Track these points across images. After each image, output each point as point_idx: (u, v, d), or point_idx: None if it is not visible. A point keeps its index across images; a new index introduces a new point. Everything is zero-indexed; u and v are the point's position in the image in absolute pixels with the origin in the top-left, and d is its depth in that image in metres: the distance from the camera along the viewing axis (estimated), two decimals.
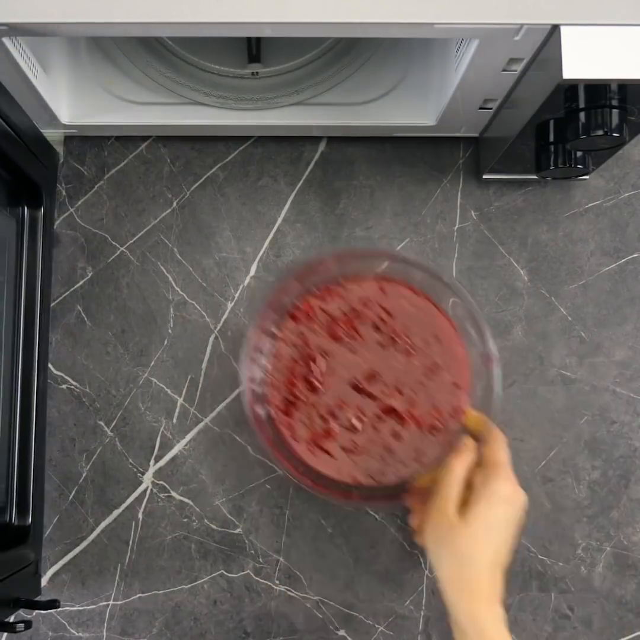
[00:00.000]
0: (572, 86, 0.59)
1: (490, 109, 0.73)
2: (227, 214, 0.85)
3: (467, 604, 0.65)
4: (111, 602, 0.81)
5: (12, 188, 0.74)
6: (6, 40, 0.61)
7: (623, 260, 0.85)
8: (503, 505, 0.66)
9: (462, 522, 0.66)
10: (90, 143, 0.85)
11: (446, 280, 0.74)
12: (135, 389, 0.83)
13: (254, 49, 0.77)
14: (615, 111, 0.60)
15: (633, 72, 0.56)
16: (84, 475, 0.82)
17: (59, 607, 0.73)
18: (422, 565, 0.82)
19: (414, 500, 0.75)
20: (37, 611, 0.80)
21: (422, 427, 0.75)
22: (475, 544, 0.66)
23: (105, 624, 0.81)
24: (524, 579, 0.82)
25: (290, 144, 0.86)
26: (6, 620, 0.69)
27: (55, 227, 0.83)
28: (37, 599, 0.74)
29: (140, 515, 0.82)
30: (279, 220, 0.85)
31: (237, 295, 0.84)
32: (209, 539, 0.82)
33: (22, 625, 0.66)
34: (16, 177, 0.73)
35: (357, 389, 0.75)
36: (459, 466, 0.69)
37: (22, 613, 0.80)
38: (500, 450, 0.69)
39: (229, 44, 0.77)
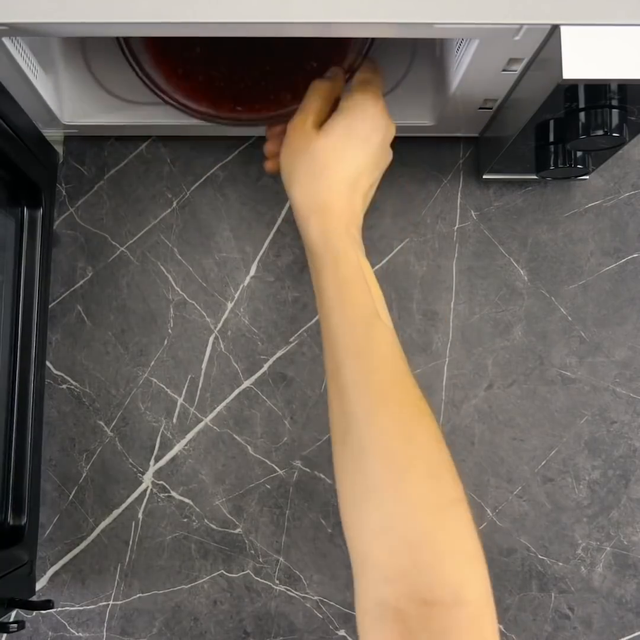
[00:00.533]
0: (572, 86, 0.59)
1: (490, 108, 0.73)
2: (227, 214, 0.85)
3: (319, 220, 0.63)
4: (111, 602, 0.81)
5: (12, 188, 0.74)
6: (6, 40, 0.61)
7: (623, 260, 0.85)
8: (366, 119, 0.65)
9: (321, 133, 0.64)
10: (90, 143, 0.85)
11: None
12: (135, 389, 0.83)
13: None
14: (615, 111, 0.60)
15: (633, 72, 0.56)
16: (84, 475, 0.82)
17: (53, 607, 0.73)
18: None
19: (274, 130, 0.74)
20: (37, 611, 0.80)
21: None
22: (331, 152, 0.63)
23: (105, 624, 0.81)
24: (524, 579, 0.82)
25: None
26: (0, 620, 0.69)
27: (55, 227, 0.83)
28: (32, 599, 0.74)
29: (140, 515, 0.82)
30: (279, 220, 0.85)
31: (237, 295, 0.84)
32: (209, 539, 0.82)
33: (15, 625, 0.66)
34: (16, 177, 0.73)
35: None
36: (324, 84, 0.67)
37: (22, 613, 0.80)
38: (373, 74, 0.68)
39: None
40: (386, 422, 0.57)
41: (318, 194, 0.63)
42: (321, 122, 0.66)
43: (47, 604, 0.71)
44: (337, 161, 0.64)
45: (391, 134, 0.67)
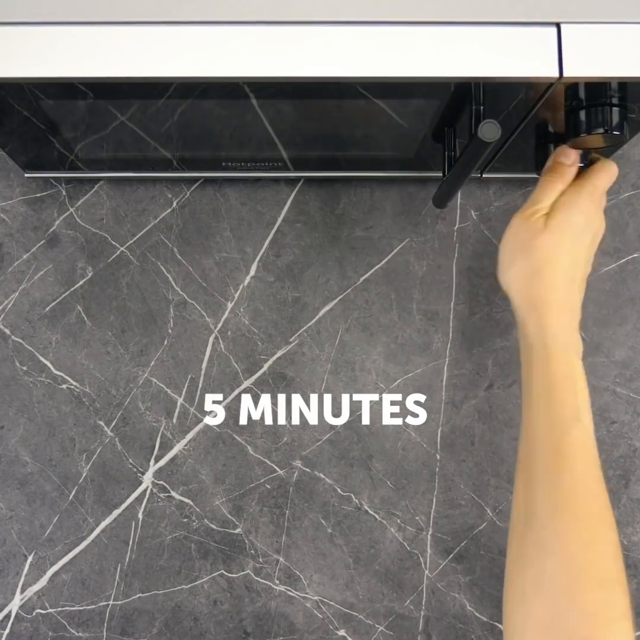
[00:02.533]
0: (572, 84, 0.59)
1: None
2: (227, 214, 0.85)
3: (537, 315, 0.64)
4: (111, 602, 0.81)
5: None
6: None
7: (623, 260, 0.85)
8: (581, 215, 0.66)
9: (545, 231, 0.65)
10: None
11: None
12: (135, 389, 0.83)
13: None
14: (615, 109, 0.60)
15: (633, 70, 0.56)
16: (84, 475, 0.82)
17: None
18: (422, 565, 0.82)
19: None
20: (37, 611, 0.80)
21: None
22: (552, 249, 0.65)
23: (105, 624, 0.81)
24: None
25: None
26: None
27: (55, 227, 0.83)
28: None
29: (140, 515, 0.82)
30: (279, 220, 0.85)
31: (237, 295, 0.84)
32: (209, 539, 0.82)
33: None
34: None
35: None
36: (562, 180, 0.68)
37: (21, 612, 0.80)
38: (599, 173, 0.68)
39: None
40: (568, 525, 0.58)
41: (537, 290, 0.65)
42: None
43: None
44: (557, 258, 0.65)
45: (603, 230, 0.69)
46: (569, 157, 0.68)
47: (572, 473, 0.60)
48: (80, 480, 0.82)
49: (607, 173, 0.68)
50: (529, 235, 0.65)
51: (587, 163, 0.70)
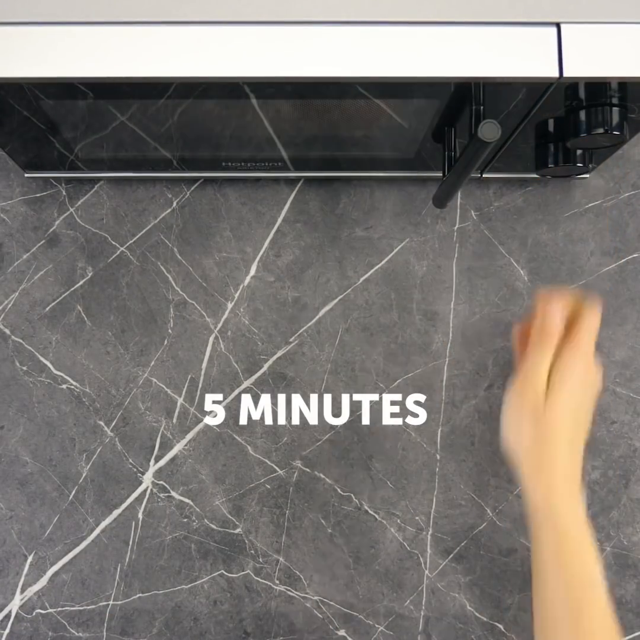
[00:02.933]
0: (572, 84, 0.59)
1: None
2: (227, 214, 0.85)
3: (543, 483, 0.66)
4: (111, 602, 0.81)
5: None
6: None
7: (623, 260, 0.85)
8: (581, 382, 0.68)
9: (549, 408, 0.67)
10: None
11: None
12: (135, 389, 0.83)
13: None
14: (615, 109, 0.60)
15: (633, 70, 0.56)
16: (84, 475, 0.82)
17: None
18: (422, 565, 0.82)
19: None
20: (37, 611, 0.80)
21: None
22: (558, 424, 0.67)
23: (105, 624, 0.81)
24: (524, 579, 0.82)
25: None
26: None
27: (55, 227, 0.83)
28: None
29: (140, 515, 0.82)
30: (279, 220, 0.85)
31: (237, 295, 0.84)
32: (209, 539, 0.82)
33: None
34: None
35: None
36: (551, 345, 0.69)
37: (21, 612, 0.80)
38: (587, 329, 0.70)
39: None
40: None
41: (543, 459, 0.66)
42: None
43: None
44: (563, 429, 0.67)
45: (599, 381, 0.71)
46: (555, 317, 0.70)
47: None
48: (80, 480, 0.82)
49: (593, 323, 0.70)
50: (532, 408, 0.67)
51: None
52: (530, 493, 0.67)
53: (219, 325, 0.84)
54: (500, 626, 0.81)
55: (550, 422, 0.67)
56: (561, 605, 0.62)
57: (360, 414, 0.83)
